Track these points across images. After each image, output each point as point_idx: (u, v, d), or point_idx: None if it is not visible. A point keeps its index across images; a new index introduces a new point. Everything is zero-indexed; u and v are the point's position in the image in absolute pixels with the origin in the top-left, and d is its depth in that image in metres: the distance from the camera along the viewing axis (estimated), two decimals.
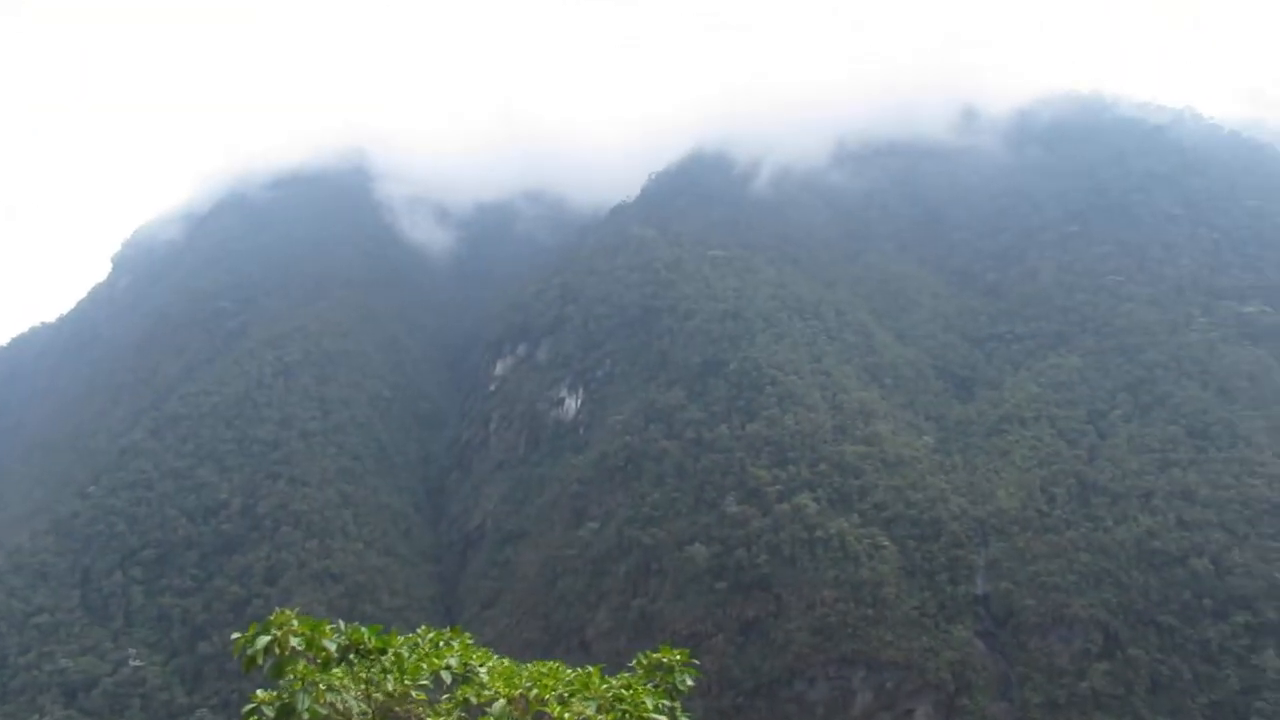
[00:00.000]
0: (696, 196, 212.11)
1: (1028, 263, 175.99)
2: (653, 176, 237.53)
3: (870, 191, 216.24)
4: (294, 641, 5.25)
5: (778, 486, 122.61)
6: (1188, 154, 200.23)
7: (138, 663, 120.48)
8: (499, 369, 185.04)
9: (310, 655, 5.45)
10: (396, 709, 5.78)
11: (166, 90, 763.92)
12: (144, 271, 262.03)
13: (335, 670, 5.48)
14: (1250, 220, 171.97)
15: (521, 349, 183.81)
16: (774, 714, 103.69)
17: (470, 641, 6.40)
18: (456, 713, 5.84)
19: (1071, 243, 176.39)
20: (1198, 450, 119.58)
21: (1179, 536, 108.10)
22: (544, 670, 6.16)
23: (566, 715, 5.49)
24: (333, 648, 5.46)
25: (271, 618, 5.35)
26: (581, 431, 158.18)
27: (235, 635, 5.39)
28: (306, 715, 5.40)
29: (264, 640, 5.21)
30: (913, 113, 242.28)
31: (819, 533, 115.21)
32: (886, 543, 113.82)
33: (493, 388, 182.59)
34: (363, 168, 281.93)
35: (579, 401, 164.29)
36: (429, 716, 5.73)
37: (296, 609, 5.93)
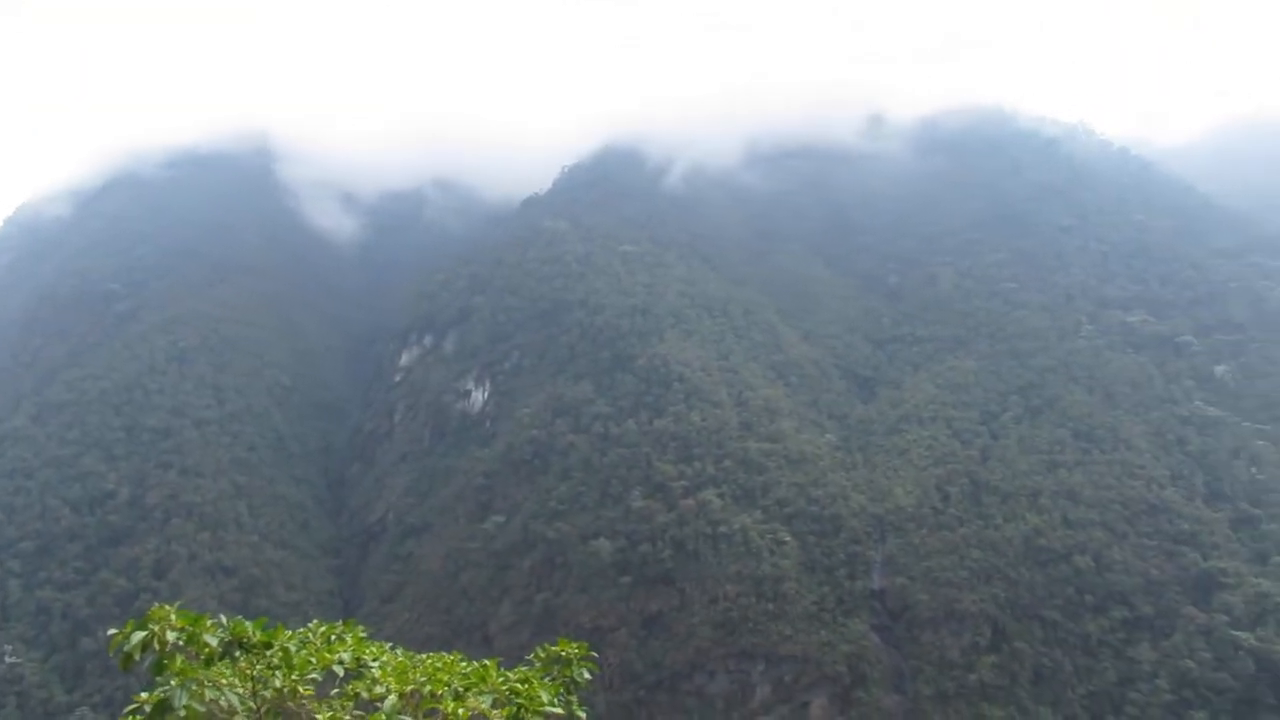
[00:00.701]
0: (609, 191, 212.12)
1: (929, 268, 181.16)
2: (565, 170, 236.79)
3: (780, 193, 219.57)
4: (172, 637, 4.98)
5: (683, 482, 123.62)
6: (1080, 168, 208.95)
7: (14, 659, 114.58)
8: (404, 359, 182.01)
9: (191, 651, 5.18)
10: (286, 705, 5.55)
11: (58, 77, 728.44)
12: (27, 250, 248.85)
13: (218, 666, 5.22)
14: (1136, 234, 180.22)
15: (428, 339, 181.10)
16: (674, 707, 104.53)
17: (364, 635, 6.18)
18: (349, 708, 5.63)
19: (970, 250, 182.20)
20: (1083, 452, 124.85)
21: (1064, 535, 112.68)
22: (439, 664, 5.99)
23: (460, 710, 5.34)
24: (215, 643, 5.20)
25: (150, 612, 5.06)
26: (488, 424, 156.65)
27: (112, 631, 5.08)
28: (184, 713, 5.13)
29: (139, 636, 4.91)
30: (823, 118, 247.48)
31: (723, 528, 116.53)
32: (788, 538, 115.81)
33: (398, 378, 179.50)
34: (265, 149, 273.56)
35: (486, 394, 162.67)
36: (319, 713, 5.51)
37: (181, 604, 5.62)
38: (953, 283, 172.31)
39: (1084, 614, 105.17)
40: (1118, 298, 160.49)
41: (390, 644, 6.63)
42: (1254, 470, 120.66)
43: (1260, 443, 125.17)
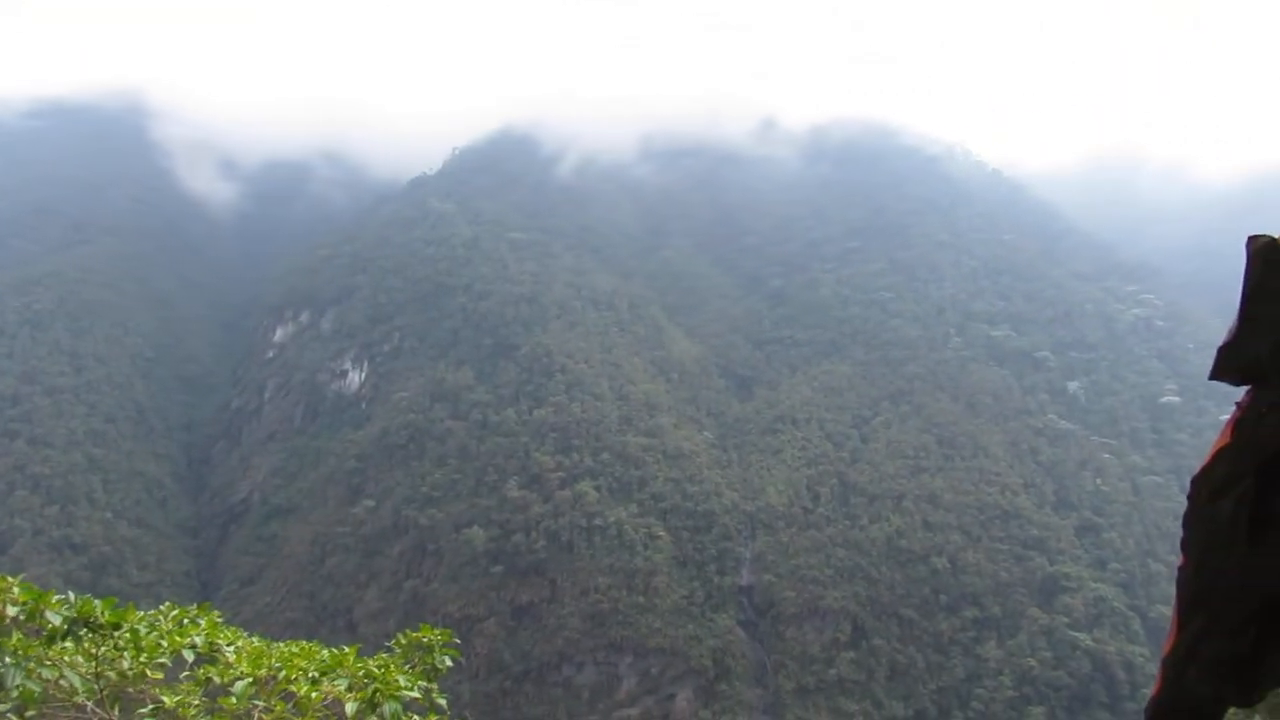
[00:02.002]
0: (500, 176, 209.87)
1: (810, 272, 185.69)
2: (456, 151, 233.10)
3: (671, 189, 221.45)
4: (13, 611, 4.74)
5: (560, 473, 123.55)
6: (957, 187, 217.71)
7: None
8: (279, 335, 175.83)
9: (33, 628, 4.95)
10: (130, 689, 5.36)
11: None
12: None
13: (61, 645, 5.00)
14: (1005, 252, 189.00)
15: (305, 316, 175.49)
16: (541, 698, 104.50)
17: (219, 619, 6.01)
18: (198, 693, 5.48)
19: (851, 258, 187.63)
20: (945, 458, 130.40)
21: (924, 537, 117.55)
22: (296, 650, 5.89)
23: (315, 695, 5.28)
24: (58, 621, 4.98)
25: None
26: (363, 406, 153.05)
27: None
28: (17, 693, 4.90)
29: None
30: (717, 119, 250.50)
31: (597, 520, 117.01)
32: (662, 533, 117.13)
33: (270, 354, 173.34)
34: (138, 106, 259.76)
35: (363, 375, 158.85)
36: (166, 696, 5.34)
37: (21, 579, 5.35)
38: (833, 289, 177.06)
39: (938, 613, 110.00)
40: (984, 312, 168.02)
41: (246, 631, 6.46)
42: (1099, 481, 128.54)
43: (1105, 456, 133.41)
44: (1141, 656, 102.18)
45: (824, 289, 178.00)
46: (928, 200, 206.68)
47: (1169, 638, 3.67)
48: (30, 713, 5.20)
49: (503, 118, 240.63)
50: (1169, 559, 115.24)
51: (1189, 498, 3.31)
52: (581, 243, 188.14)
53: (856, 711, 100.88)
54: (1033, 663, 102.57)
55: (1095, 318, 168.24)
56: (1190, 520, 3.35)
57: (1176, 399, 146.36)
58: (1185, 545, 3.42)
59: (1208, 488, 3.23)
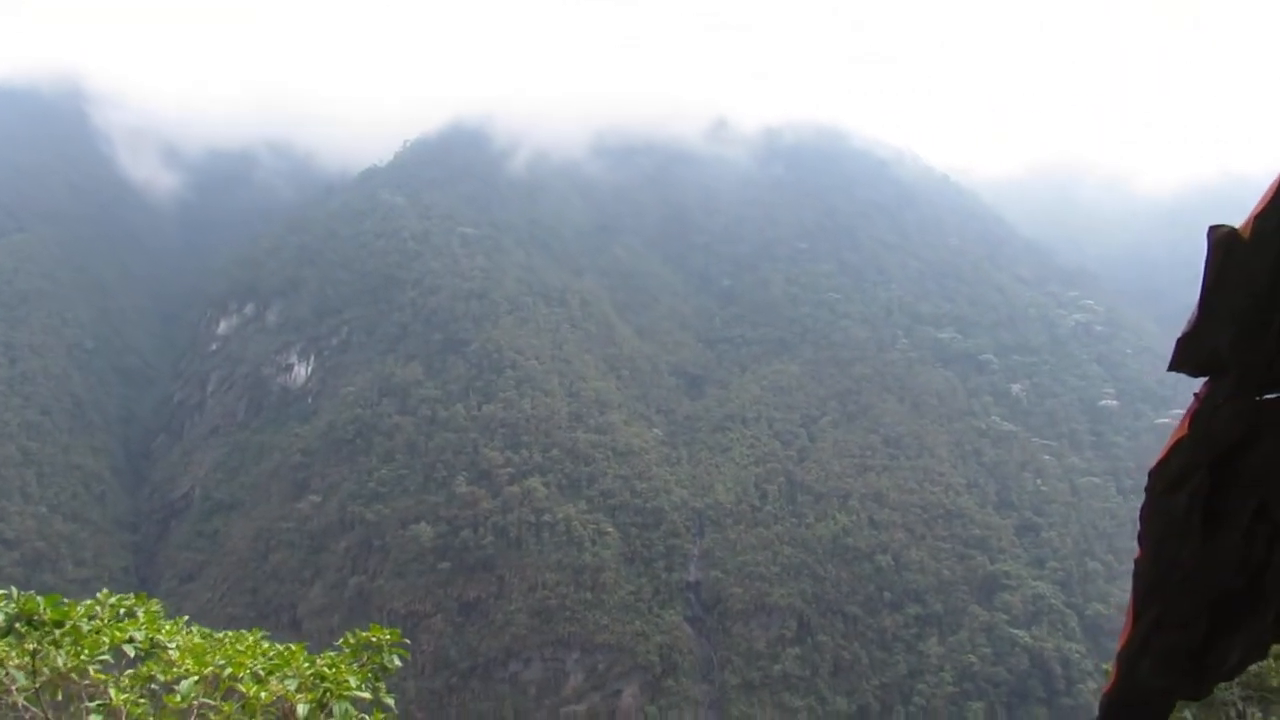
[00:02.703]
0: (451, 170, 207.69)
1: (761, 272, 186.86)
2: (407, 144, 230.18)
3: (623, 186, 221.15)
4: None
5: (509, 469, 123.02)
6: (906, 190, 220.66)
7: None
8: (222, 327, 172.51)
9: None
10: (71, 685, 5.27)
11: None
12: None
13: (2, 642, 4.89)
14: (951, 256, 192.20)
15: (249, 308, 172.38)
16: (487, 694, 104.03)
17: (158, 611, 5.91)
18: (139, 689, 5.39)
19: (801, 258, 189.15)
20: (891, 458, 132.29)
21: (869, 535, 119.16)
22: (241, 647, 5.83)
23: (263, 694, 5.23)
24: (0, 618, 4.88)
25: None
26: (310, 400, 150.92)
27: None
28: None
29: None
30: (670, 117, 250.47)
31: (546, 517, 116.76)
32: (610, 529, 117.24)
33: (214, 347, 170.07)
34: (77, 90, 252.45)
35: (309, 369, 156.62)
36: (114, 692, 5.25)
37: None
38: (783, 289, 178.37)
39: (882, 610, 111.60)
40: (931, 314, 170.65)
41: (187, 620, 6.37)
42: (1039, 482, 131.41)
43: (1045, 457, 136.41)
44: (1078, 653, 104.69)
45: (774, 289, 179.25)
46: (877, 203, 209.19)
47: (1124, 630, 3.70)
48: None
49: (453, 111, 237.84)
50: (1105, 558, 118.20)
51: (1146, 490, 3.33)
52: (532, 238, 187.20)
53: (801, 707, 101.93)
54: (973, 659, 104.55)
55: (1037, 322, 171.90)
56: (1146, 513, 3.38)
57: (1114, 403, 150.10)
58: (1141, 538, 3.44)
59: (1163, 480, 3.24)
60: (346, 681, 5.41)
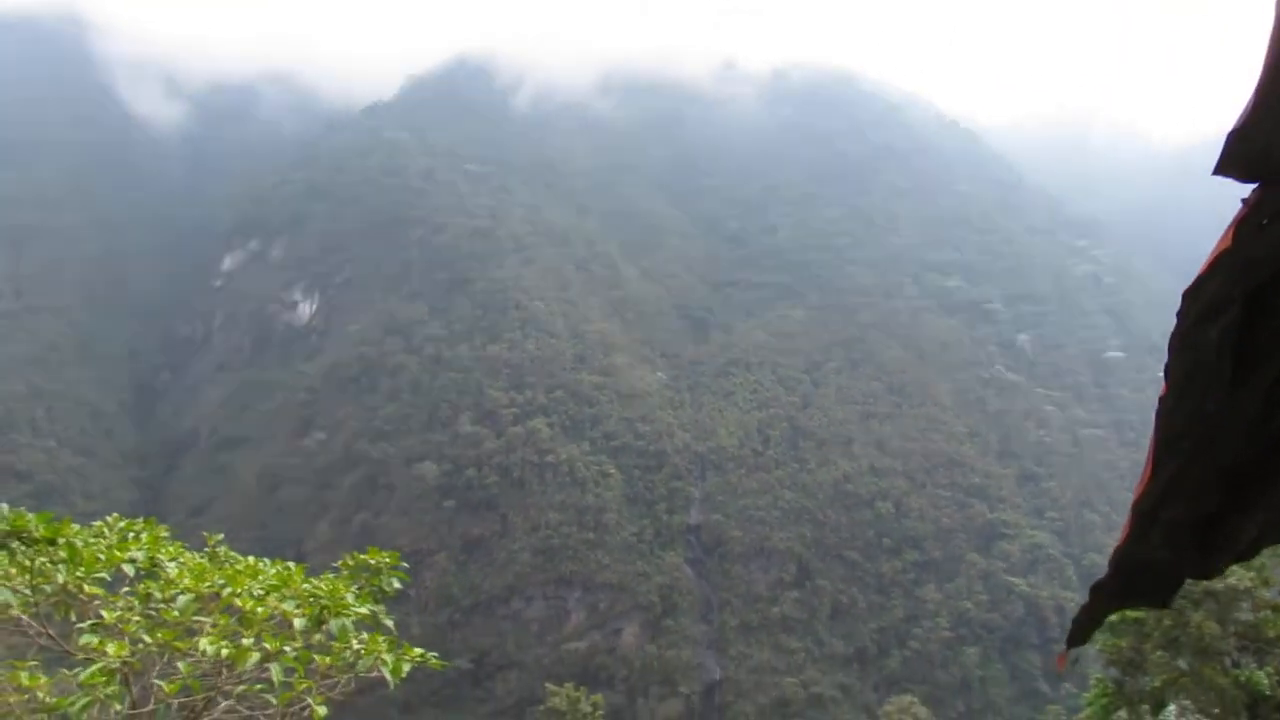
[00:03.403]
0: (456, 106, 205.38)
1: (769, 216, 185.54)
2: (412, 79, 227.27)
3: (630, 127, 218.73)
4: None
5: (513, 409, 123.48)
6: (916, 135, 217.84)
7: None
8: (227, 263, 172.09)
9: None
10: (69, 603, 5.24)
11: None
12: None
13: None
14: (960, 203, 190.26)
15: (254, 244, 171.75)
16: (490, 630, 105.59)
17: (164, 535, 5.89)
18: (138, 608, 5.37)
19: (809, 202, 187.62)
20: (894, 405, 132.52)
21: (870, 481, 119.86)
22: (241, 567, 5.81)
23: (260, 610, 5.21)
24: None
25: None
26: (314, 338, 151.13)
27: None
28: None
29: None
30: (678, 56, 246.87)
31: (549, 457, 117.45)
32: (613, 471, 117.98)
33: (219, 283, 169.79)
34: (75, 17, 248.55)
35: (314, 306, 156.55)
36: (105, 610, 5.22)
37: None
38: (790, 233, 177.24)
39: (881, 555, 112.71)
40: (939, 262, 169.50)
41: (217, 540, 6.35)
42: (1041, 433, 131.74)
43: (1049, 408, 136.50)
44: (1073, 602, 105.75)
45: (782, 233, 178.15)
46: (887, 147, 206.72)
47: (1140, 482, 3.37)
48: None
49: (457, 46, 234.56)
50: (1104, 510, 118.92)
51: (1178, 315, 2.94)
52: (537, 177, 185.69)
53: (799, 649, 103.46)
54: (969, 605, 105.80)
55: (1046, 271, 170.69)
56: (1175, 343, 2.99)
57: (1121, 355, 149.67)
58: (1168, 372, 3.06)
59: (1197, 306, 2.83)
60: (344, 599, 5.39)
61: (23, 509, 5.06)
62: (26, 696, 4.90)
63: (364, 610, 5.52)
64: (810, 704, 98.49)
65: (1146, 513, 3.42)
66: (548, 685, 67.48)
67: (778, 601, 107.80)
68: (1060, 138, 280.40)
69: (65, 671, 5.08)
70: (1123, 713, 25.19)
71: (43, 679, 4.89)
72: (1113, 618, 25.47)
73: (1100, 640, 25.48)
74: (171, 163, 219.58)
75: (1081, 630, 4.24)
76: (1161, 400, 3.13)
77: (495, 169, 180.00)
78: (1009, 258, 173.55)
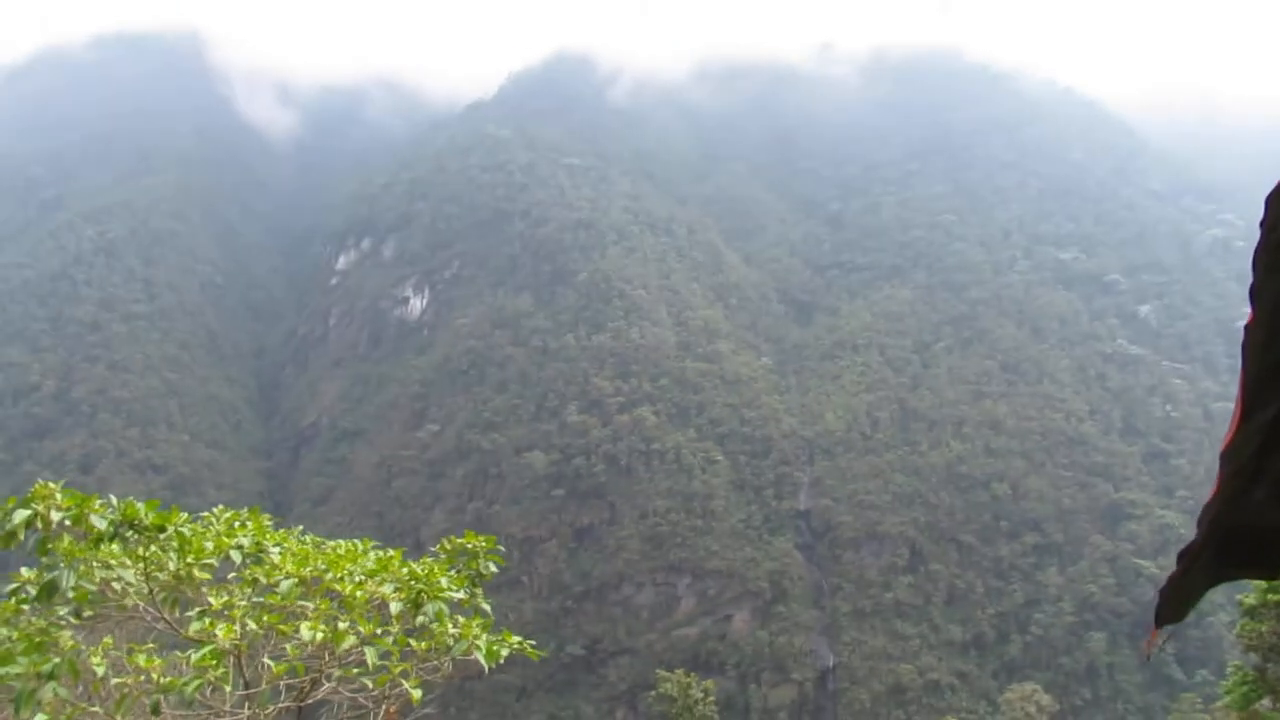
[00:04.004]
0: (555, 100, 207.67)
1: (870, 195, 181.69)
2: (512, 76, 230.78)
3: (727, 112, 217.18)
4: (57, 516, 4.86)
5: (619, 398, 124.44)
6: (1024, 105, 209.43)
7: None
8: (341, 262, 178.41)
9: (79, 532, 5.08)
10: (181, 589, 5.51)
11: None
12: None
13: (108, 547, 5.13)
14: (1073, 172, 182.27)
15: (366, 243, 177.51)
16: (601, 616, 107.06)
17: (268, 523, 6.14)
18: (246, 594, 5.61)
19: (912, 180, 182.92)
20: (1008, 384, 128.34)
21: (984, 462, 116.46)
22: (342, 552, 6.00)
23: (359, 594, 5.38)
24: (103, 524, 5.10)
25: (34, 489, 4.93)
26: (425, 332, 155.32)
27: None
28: (72, 594, 5.06)
29: (23, 515, 4.78)
30: (774, 39, 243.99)
31: (656, 445, 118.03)
32: (719, 457, 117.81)
33: (334, 281, 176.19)
34: (195, 33, 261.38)
35: (424, 301, 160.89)
36: (213, 597, 5.47)
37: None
38: (893, 212, 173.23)
39: (998, 538, 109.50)
40: (1052, 234, 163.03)
41: (301, 530, 6.59)
42: (1169, 408, 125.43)
43: (1176, 381, 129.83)
44: None
45: (884, 212, 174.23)
46: (992, 119, 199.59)
47: (1230, 428, 2.78)
48: (87, 613, 5.40)
49: (556, 41, 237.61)
50: None
51: (1261, 225, 2.38)
52: (637, 167, 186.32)
53: (914, 635, 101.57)
54: (1094, 589, 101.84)
55: (1170, 239, 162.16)
56: (1262, 259, 2.40)
57: None
58: (1254, 294, 2.56)
59: None
60: (439, 583, 5.51)
61: (131, 498, 5.34)
62: (143, 678, 5.17)
63: (459, 594, 5.64)
64: (927, 691, 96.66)
65: (1244, 464, 2.83)
66: (659, 671, 68.02)
67: (891, 587, 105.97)
68: (1182, 97, 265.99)
69: (179, 654, 5.34)
70: (1265, 701, 23.92)
71: (158, 661, 5.15)
72: (1250, 599, 24.11)
73: (1239, 624, 24.19)
74: (286, 167, 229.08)
75: (1171, 606, 3.71)
76: (1249, 330, 2.69)
77: (595, 161, 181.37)
78: (1129, 226, 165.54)
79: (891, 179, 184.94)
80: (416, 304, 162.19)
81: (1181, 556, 3.50)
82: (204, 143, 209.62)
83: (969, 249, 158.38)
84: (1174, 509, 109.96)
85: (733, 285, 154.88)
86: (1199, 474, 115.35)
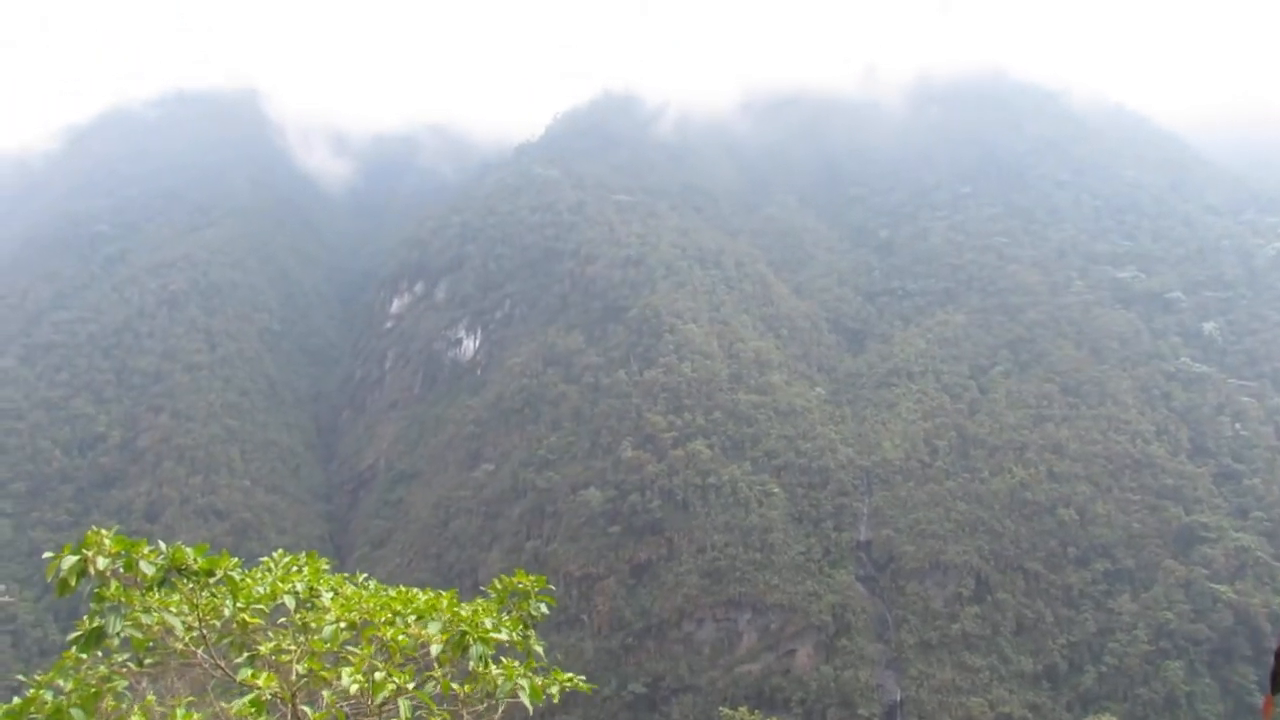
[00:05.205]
0: (601, 139, 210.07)
1: (920, 221, 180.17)
2: (558, 116, 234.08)
3: (773, 143, 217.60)
4: (104, 563, 4.92)
5: (673, 433, 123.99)
6: (1077, 122, 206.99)
7: (7, 598, 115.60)
8: (395, 306, 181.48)
9: (130, 578, 5.14)
10: (238, 636, 5.55)
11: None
12: (17, 186, 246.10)
13: (160, 593, 5.19)
14: (1129, 189, 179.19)
15: (419, 287, 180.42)
16: (662, 654, 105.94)
17: (325, 568, 6.17)
18: (297, 639, 5.63)
19: (963, 203, 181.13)
20: (1070, 407, 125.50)
21: (1049, 488, 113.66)
22: (393, 595, 6.00)
23: (402, 637, 5.36)
24: (151, 570, 5.16)
25: (85, 537, 5.00)
26: (479, 373, 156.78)
27: (48, 555, 5.03)
28: (117, 641, 5.11)
29: (72, 561, 4.86)
30: (818, 67, 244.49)
31: (711, 479, 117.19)
32: (776, 490, 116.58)
33: (388, 325, 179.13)
34: (252, 88, 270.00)
35: (477, 342, 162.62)
36: (261, 643, 5.50)
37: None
38: (944, 236, 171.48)
39: (1066, 566, 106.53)
40: (1108, 253, 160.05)
41: (365, 576, 6.61)
42: (1238, 426, 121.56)
43: (1245, 399, 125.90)
44: None
45: (935, 237, 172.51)
46: (1044, 139, 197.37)
47: None
48: (148, 661, 5.45)
49: (601, 79, 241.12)
50: None
51: None
52: (685, 201, 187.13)
53: (983, 666, 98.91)
54: (1170, 616, 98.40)
55: (1232, 254, 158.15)
56: None
57: None
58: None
59: None
60: (483, 624, 5.47)
61: (180, 543, 5.40)
62: None
63: (502, 636, 5.59)
64: None
65: None
66: (722, 709, 67.11)
67: (957, 618, 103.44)
68: (1237, 108, 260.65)
69: (223, 705, 5.36)
70: None
71: (196, 716, 5.17)
72: None
73: None
74: (341, 215, 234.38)
75: None
76: None
77: (643, 197, 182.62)
78: (1188, 242, 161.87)
79: (941, 203, 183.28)
80: (469, 345, 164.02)
81: None
82: (262, 194, 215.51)
83: (1023, 271, 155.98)
84: (1249, 530, 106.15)
85: (784, 316, 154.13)
86: (1273, 494, 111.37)
